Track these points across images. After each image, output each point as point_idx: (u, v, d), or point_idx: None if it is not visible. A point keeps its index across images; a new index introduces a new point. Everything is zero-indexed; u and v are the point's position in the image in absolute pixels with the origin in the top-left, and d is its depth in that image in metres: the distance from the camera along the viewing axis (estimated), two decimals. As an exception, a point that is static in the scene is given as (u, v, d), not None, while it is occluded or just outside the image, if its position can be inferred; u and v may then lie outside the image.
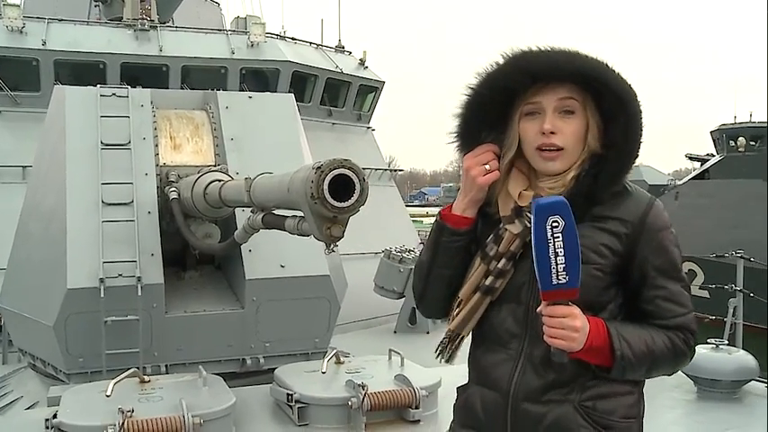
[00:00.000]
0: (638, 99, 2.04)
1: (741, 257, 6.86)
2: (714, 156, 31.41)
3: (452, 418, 2.19)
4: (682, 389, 6.55)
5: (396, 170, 14.95)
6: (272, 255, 5.10)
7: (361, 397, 3.65)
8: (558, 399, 1.98)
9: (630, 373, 1.99)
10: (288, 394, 3.81)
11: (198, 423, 3.34)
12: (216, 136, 5.82)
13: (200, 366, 4.09)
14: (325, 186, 2.60)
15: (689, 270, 25.80)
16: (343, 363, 4.22)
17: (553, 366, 1.96)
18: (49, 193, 5.44)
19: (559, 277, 1.80)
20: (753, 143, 31.21)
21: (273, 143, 5.82)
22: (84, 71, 10.48)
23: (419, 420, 3.80)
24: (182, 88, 10.60)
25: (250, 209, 3.81)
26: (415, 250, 9.70)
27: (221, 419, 3.55)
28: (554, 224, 1.79)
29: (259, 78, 11.49)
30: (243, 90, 10.94)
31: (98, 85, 5.94)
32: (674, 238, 2.09)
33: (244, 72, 11.21)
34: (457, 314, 2.09)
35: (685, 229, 27.04)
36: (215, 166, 5.50)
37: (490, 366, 2.08)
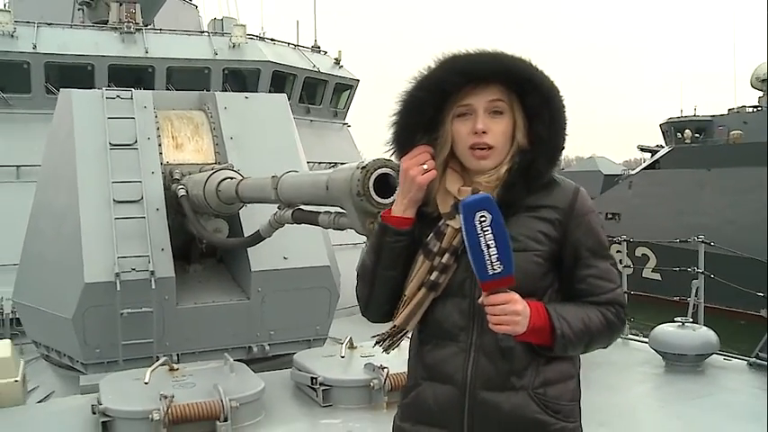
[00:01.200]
0: (561, 95, 2.09)
1: (703, 242, 7.07)
2: (663, 147, 32.07)
3: (398, 418, 2.14)
4: (651, 364, 6.78)
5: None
6: (276, 247, 5.14)
7: (383, 378, 3.76)
8: (514, 386, 2.00)
9: (571, 349, 2.04)
10: (312, 378, 3.91)
11: (235, 407, 3.43)
12: (215, 135, 5.87)
13: (226, 354, 4.16)
14: (371, 184, 2.70)
15: (642, 254, 26.39)
16: (356, 348, 4.32)
17: (504, 354, 1.99)
18: (61, 192, 5.44)
19: (494, 267, 1.83)
20: (697, 135, 31.99)
21: (270, 141, 5.89)
22: (72, 73, 10.38)
23: None
24: (167, 88, 10.58)
25: (276, 205, 3.87)
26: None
27: (253, 403, 3.64)
28: (482, 218, 1.81)
29: (240, 78, 11.50)
30: (226, 89, 10.96)
31: (103, 88, 5.94)
32: (600, 220, 2.15)
33: (226, 72, 11.19)
34: (403, 310, 2.06)
35: (639, 217, 27.73)
36: (216, 163, 5.57)
37: (441, 361, 2.06)
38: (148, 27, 12.03)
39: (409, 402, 2.11)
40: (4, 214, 8.87)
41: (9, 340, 4.55)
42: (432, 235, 2.02)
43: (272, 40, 12.55)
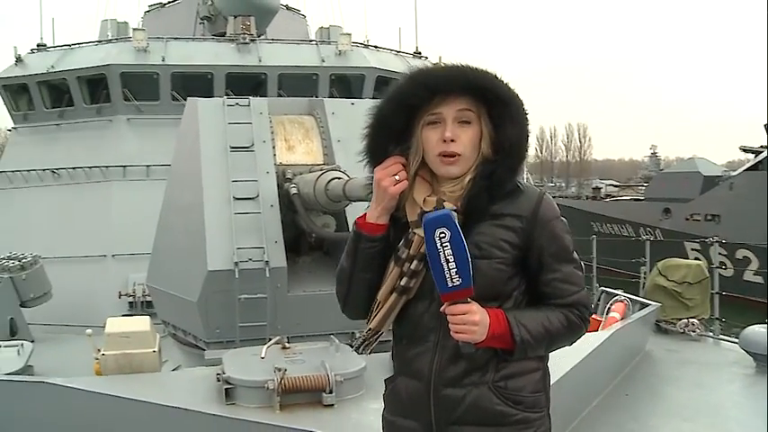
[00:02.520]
0: (523, 106, 2.11)
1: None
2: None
3: (383, 408, 2.26)
4: (740, 364, 6.72)
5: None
6: None
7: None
8: (474, 382, 2.05)
9: (531, 351, 2.07)
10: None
11: (339, 381, 3.76)
12: (324, 138, 6.21)
13: (332, 336, 4.50)
14: None
15: (743, 257, 25.36)
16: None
17: (465, 354, 2.03)
18: (187, 190, 5.93)
19: (453, 280, 1.89)
20: (804, 136, 30.40)
21: None
22: (194, 81, 11.08)
23: None
24: (279, 94, 11.11)
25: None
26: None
27: (356, 379, 3.95)
28: (441, 235, 1.87)
29: (346, 83, 11.90)
30: (332, 94, 11.41)
31: (224, 97, 6.40)
32: (564, 225, 2.16)
33: (333, 78, 11.61)
34: (376, 314, 2.13)
35: (740, 218, 26.60)
36: (324, 164, 5.92)
37: (412, 358, 2.13)
38: (262, 38, 12.62)
39: (388, 394, 2.23)
40: (136, 209, 9.63)
41: (148, 317, 5.05)
42: (402, 242, 2.09)
43: (375, 47, 12.93)
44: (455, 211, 1.99)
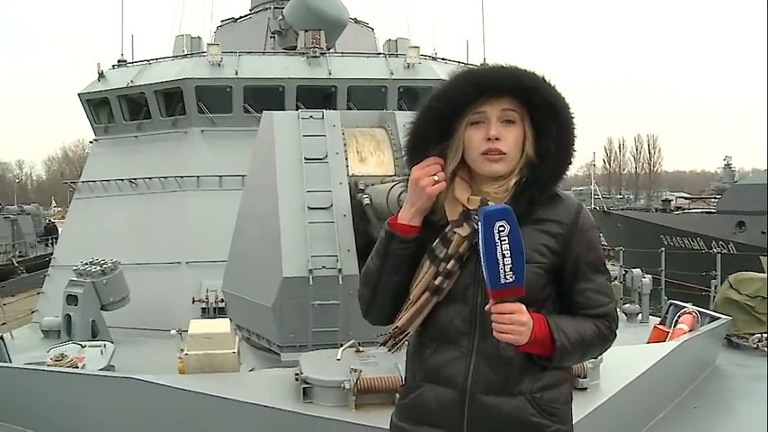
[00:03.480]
0: (570, 111, 2.11)
1: None
2: None
3: (396, 417, 2.22)
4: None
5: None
6: None
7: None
8: (512, 391, 2.03)
9: (567, 360, 2.08)
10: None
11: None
12: (395, 150, 6.42)
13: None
14: None
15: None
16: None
17: (504, 360, 1.99)
18: (263, 199, 6.24)
19: (507, 277, 1.86)
20: None
21: None
22: (266, 94, 11.49)
23: (586, 388, 4.25)
24: (348, 106, 11.41)
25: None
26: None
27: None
28: (501, 229, 1.85)
29: (414, 95, 12.12)
30: (401, 106, 11.64)
31: (299, 111, 6.70)
32: (599, 237, 2.21)
33: (401, 90, 11.84)
34: (405, 312, 2.10)
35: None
36: (395, 175, 6.14)
37: (442, 365, 2.08)
38: (331, 51, 12.97)
39: (408, 403, 2.17)
40: (209, 218, 10.06)
41: (228, 319, 5.36)
42: (438, 241, 2.06)
43: (443, 59, 13.16)
44: None
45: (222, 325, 5.02)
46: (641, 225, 36.53)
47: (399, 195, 5.12)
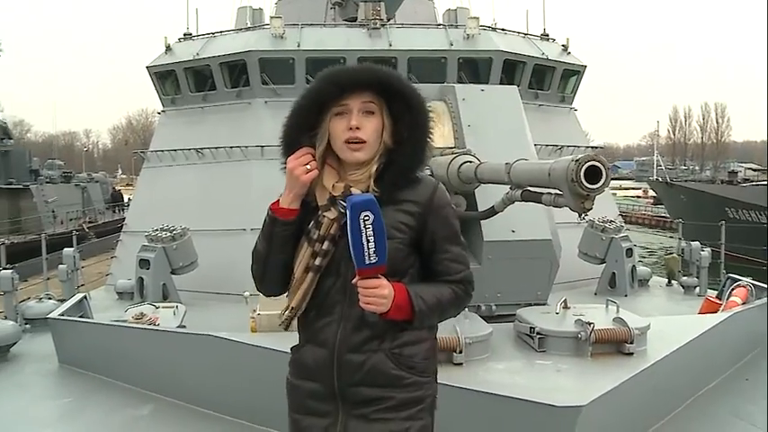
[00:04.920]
0: (423, 102, 2.40)
1: None
2: None
3: (289, 373, 2.52)
4: None
5: (596, 147, 15.21)
6: (505, 222, 5.82)
7: (589, 332, 4.41)
8: (373, 348, 2.33)
9: (427, 321, 2.38)
10: (530, 328, 4.66)
11: (468, 342, 4.28)
12: (455, 123, 6.67)
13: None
14: (582, 173, 3.39)
15: None
16: (569, 308, 4.99)
17: (367, 324, 2.32)
18: (325, 171, 6.55)
19: (371, 258, 2.15)
20: None
21: (503, 129, 6.59)
22: (327, 65, 11.70)
23: (632, 353, 4.48)
24: (408, 77, 11.59)
25: (508, 186, 4.65)
26: (616, 221, 10.18)
27: (482, 342, 4.46)
28: (366, 218, 2.12)
29: (474, 66, 12.26)
30: (460, 77, 11.80)
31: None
32: (454, 212, 2.49)
33: (461, 61, 11.94)
34: (295, 294, 2.37)
35: None
36: (455, 147, 6.40)
37: (319, 329, 2.39)
38: (391, 22, 13.16)
39: (294, 360, 2.51)
40: (273, 187, 10.39)
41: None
42: (312, 223, 2.35)
43: (503, 30, 13.19)
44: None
45: (293, 287, 5.39)
46: (705, 197, 35.77)
47: (460, 167, 5.40)
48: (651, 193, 56.91)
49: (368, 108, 2.34)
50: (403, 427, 2.34)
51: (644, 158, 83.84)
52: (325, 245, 2.32)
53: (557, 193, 3.91)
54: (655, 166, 61.80)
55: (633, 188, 71.85)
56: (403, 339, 2.37)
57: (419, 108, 2.39)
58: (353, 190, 2.30)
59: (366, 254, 2.15)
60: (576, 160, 3.39)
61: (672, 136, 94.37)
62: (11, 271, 8.84)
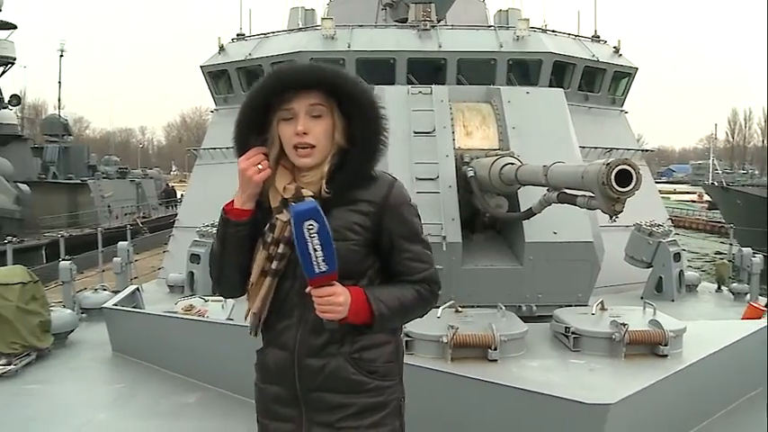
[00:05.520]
0: (373, 101, 2.31)
1: None
2: None
3: (255, 377, 2.48)
4: None
5: (647, 150, 15.11)
6: (547, 223, 5.94)
7: (623, 333, 4.50)
8: (333, 353, 2.27)
9: (389, 324, 2.30)
10: (566, 327, 4.76)
11: (504, 340, 4.41)
12: (499, 125, 6.79)
13: (500, 304, 5.13)
14: (612, 177, 3.50)
15: None
16: (606, 309, 5.07)
17: (323, 327, 2.24)
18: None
19: (321, 266, 2.08)
20: None
21: (547, 131, 6.70)
22: (377, 66, 11.92)
23: (666, 355, 4.53)
24: (457, 79, 11.72)
25: (546, 188, 4.77)
26: (664, 225, 10.13)
27: (518, 340, 4.58)
28: (310, 227, 2.05)
29: (523, 68, 12.28)
30: (510, 79, 11.85)
31: (406, 81, 7.15)
32: (414, 210, 2.39)
33: (510, 63, 11.97)
34: (255, 299, 2.31)
35: None
36: (499, 149, 6.51)
37: (280, 332, 2.32)
38: (441, 23, 13.26)
39: (259, 363, 2.45)
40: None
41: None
42: (267, 226, 2.28)
43: (553, 31, 13.18)
44: (311, 197, 2.21)
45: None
46: (761, 202, 34.86)
47: (502, 169, 5.53)
48: (706, 197, 55.78)
49: (315, 111, 2.26)
50: None
51: (700, 162, 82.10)
52: (281, 248, 2.27)
53: (590, 196, 4.02)
54: (711, 169, 60.56)
55: (688, 192, 70.42)
56: (362, 343, 2.31)
57: (369, 106, 2.31)
58: (304, 191, 2.24)
59: (315, 263, 2.10)
60: (607, 164, 3.51)
61: (730, 139, 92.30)
62: (69, 262, 9.24)
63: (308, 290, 2.17)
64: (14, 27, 40.69)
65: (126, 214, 37.17)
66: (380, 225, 2.30)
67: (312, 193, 2.23)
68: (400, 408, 2.41)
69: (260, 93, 2.28)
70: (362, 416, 2.29)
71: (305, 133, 2.22)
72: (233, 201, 2.31)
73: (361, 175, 2.30)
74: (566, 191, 4.49)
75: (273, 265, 2.27)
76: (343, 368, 2.28)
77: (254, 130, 2.31)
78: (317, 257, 2.08)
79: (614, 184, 3.48)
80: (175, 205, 45.72)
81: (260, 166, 2.24)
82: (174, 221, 13.24)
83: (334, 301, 2.16)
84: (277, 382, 2.36)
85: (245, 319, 2.38)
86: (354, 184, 2.29)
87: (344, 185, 2.27)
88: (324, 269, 2.10)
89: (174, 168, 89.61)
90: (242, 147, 2.31)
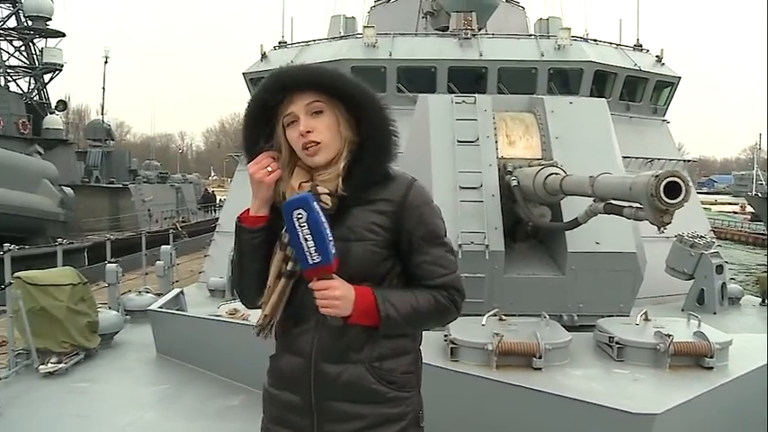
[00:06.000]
0: (373, 99, 2.24)
1: None
2: None
3: (267, 382, 2.38)
4: None
5: (690, 160, 14.97)
6: (590, 233, 5.94)
7: (668, 344, 4.50)
8: (351, 360, 2.19)
9: (398, 329, 2.20)
10: (609, 337, 4.77)
11: (548, 348, 4.45)
12: (543, 134, 6.80)
13: (543, 312, 5.16)
14: (661, 189, 3.53)
15: None
16: (650, 320, 5.07)
17: (345, 332, 2.16)
18: (418, 177, 6.79)
19: (313, 257, 2.02)
20: None
21: (590, 142, 6.70)
22: (418, 74, 12.03)
23: (712, 368, 4.51)
24: (498, 88, 11.76)
25: (591, 198, 4.80)
26: (706, 237, 10.04)
27: (562, 349, 4.60)
28: (299, 216, 2.00)
29: (564, 77, 12.27)
30: (550, 88, 11.87)
31: (452, 93, 7.22)
32: (434, 211, 2.28)
33: (551, 72, 12.01)
34: (269, 300, 2.23)
35: None
36: (542, 159, 6.53)
37: (295, 337, 2.25)
38: (482, 32, 13.32)
39: (272, 369, 2.36)
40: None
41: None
42: (284, 229, 2.17)
43: (594, 40, 13.16)
44: (327, 194, 2.16)
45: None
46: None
47: (546, 179, 5.56)
48: (749, 208, 54.87)
49: (314, 108, 2.21)
50: None
51: (743, 173, 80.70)
52: None
53: (637, 207, 4.04)
54: (754, 180, 59.54)
55: (729, 203, 69.35)
56: (382, 351, 2.22)
57: (370, 104, 2.25)
58: (320, 189, 2.18)
59: (307, 253, 2.03)
60: (656, 175, 3.54)
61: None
62: (116, 265, 9.48)
63: (309, 285, 2.12)
64: (63, 35, 41.84)
65: (166, 218, 37.79)
66: (400, 225, 2.22)
67: (328, 191, 2.18)
68: (418, 420, 2.32)
69: (257, 104, 2.25)
70: (379, 427, 2.20)
71: (309, 132, 2.19)
72: (248, 209, 2.27)
73: (375, 172, 2.23)
74: (612, 202, 4.52)
75: (289, 267, 2.19)
76: (362, 376, 2.20)
77: (260, 134, 2.28)
78: (308, 248, 2.03)
79: (663, 195, 3.51)
80: (214, 210, 46.33)
81: (269, 168, 2.21)
82: (215, 226, 13.42)
83: (330, 294, 2.10)
84: (290, 388, 2.28)
85: (257, 322, 2.30)
86: (370, 182, 2.22)
87: (360, 183, 2.21)
88: (317, 260, 2.04)
89: (212, 174, 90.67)
90: (250, 152, 2.28)
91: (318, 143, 2.18)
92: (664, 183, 3.51)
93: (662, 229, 3.88)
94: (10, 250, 7.30)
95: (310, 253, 2.02)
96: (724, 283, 9.57)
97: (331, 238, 2.04)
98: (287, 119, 2.21)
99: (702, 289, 9.38)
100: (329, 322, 2.14)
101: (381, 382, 2.20)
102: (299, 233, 2.02)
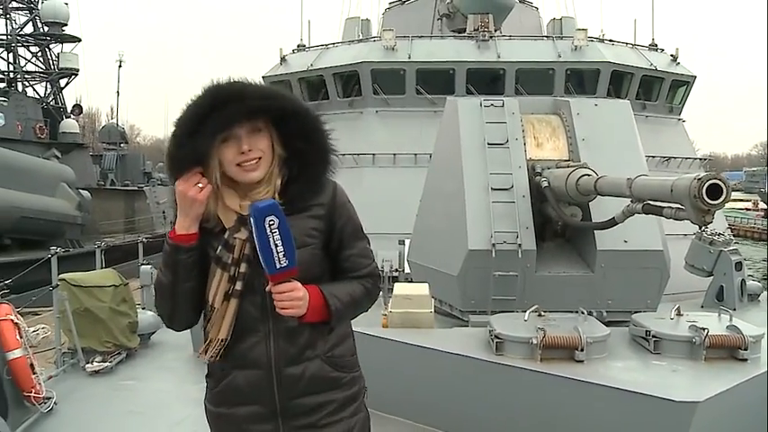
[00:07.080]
0: (308, 114, 2.31)
1: None
2: None
3: (213, 404, 2.39)
4: None
5: (703, 159, 15.08)
6: (618, 232, 6.10)
7: (703, 337, 4.70)
8: (310, 356, 2.31)
9: (343, 319, 2.37)
10: (646, 331, 4.98)
11: (589, 342, 4.65)
12: (569, 136, 6.99)
13: (581, 308, 5.36)
14: (704, 190, 3.75)
15: None
16: (682, 315, 5.27)
17: (299, 333, 2.28)
18: (449, 179, 7.02)
19: (281, 262, 2.12)
20: None
21: (616, 143, 6.89)
22: (436, 76, 12.24)
23: (747, 359, 4.69)
24: (516, 89, 11.95)
25: (629, 199, 5.00)
26: (725, 234, 10.19)
27: (601, 343, 4.80)
28: (271, 222, 2.09)
29: (581, 78, 12.45)
30: (567, 88, 12.05)
31: (481, 98, 7.39)
32: (353, 207, 2.45)
33: (568, 72, 12.21)
34: (220, 323, 2.26)
35: None
36: (569, 160, 6.72)
37: (246, 351, 2.29)
38: (498, 33, 13.49)
39: (222, 390, 2.36)
40: (384, 193, 10.88)
41: (426, 283, 6.22)
42: (221, 248, 2.25)
43: (610, 41, 13.34)
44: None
45: (421, 288, 5.92)
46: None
47: (578, 180, 5.76)
48: (762, 205, 54.82)
49: (254, 127, 2.25)
50: (349, 425, 2.40)
51: (754, 169, 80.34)
52: (243, 267, 2.25)
53: (678, 207, 4.24)
54: (767, 176, 59.36)
55: (741, 200, 69.22)
56: (332, 341, 2.38)
57: (307, 121, 2.33)
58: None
59: (276, 258, 2.12)
60: (699, 178, 3.76)
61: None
62: (150, 266, 9.70)
63: (268, 288, 2.19)
64: (79, 40, 42.19)
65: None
66: (332, 225, 2.38)
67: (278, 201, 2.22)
68: (365, 394, 2.52)
69: (194, 111, 2.21)
70: (343, 409, 2.38)
71: (250, 150, 2.23)
72: (173, 230, 2.28)
73: (316, 184, 2.35)
74: (650, 202, 4.72)
75: (237, 286, 2.26)
76: (322, 369, 2.34)
77: (189, 155, 2.23)
78: (278, 253, 2.12)
79: (705, 196, 3.73)
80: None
81: (200, 185, 2.22)
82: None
83: (295, 296, 2.19)
84: (251, 401, 2.33)
85: (202, 348, 2.30)
86: (308, 193, 2.33)
87: (299, 194, 2.31)
88: (284, 264, 2.14)
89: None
90: (176, 172, 2.26)
91: (259, 159, 2.24)
92: (706, 185, 3.72)
93: (703, 228, 4.07)
94: (57, 253, 7.53)
95: (279, 258, 2.12)
96: (743, 280, 9.70)
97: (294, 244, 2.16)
98: (224, 134, 2.21)
99: (722, 286, 9.50)
100: (287, 323, 2.25)
101: (337, 369, 2.37)
102: (270, 239, 2.10)
